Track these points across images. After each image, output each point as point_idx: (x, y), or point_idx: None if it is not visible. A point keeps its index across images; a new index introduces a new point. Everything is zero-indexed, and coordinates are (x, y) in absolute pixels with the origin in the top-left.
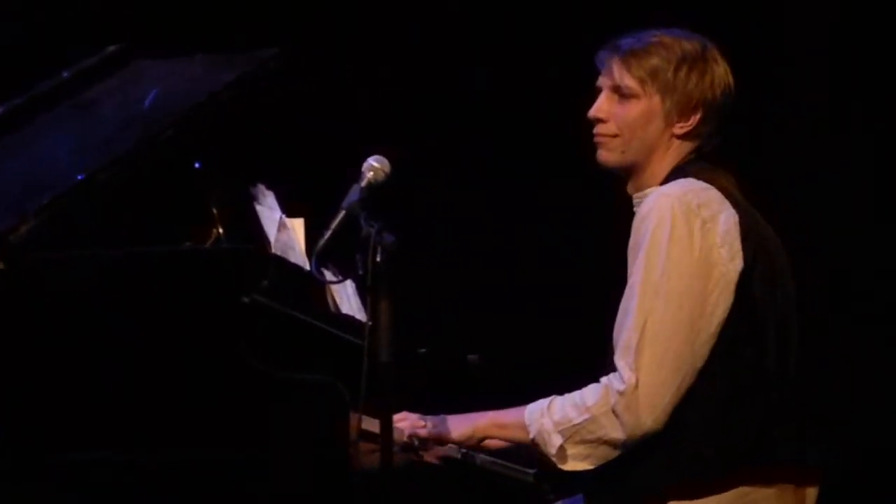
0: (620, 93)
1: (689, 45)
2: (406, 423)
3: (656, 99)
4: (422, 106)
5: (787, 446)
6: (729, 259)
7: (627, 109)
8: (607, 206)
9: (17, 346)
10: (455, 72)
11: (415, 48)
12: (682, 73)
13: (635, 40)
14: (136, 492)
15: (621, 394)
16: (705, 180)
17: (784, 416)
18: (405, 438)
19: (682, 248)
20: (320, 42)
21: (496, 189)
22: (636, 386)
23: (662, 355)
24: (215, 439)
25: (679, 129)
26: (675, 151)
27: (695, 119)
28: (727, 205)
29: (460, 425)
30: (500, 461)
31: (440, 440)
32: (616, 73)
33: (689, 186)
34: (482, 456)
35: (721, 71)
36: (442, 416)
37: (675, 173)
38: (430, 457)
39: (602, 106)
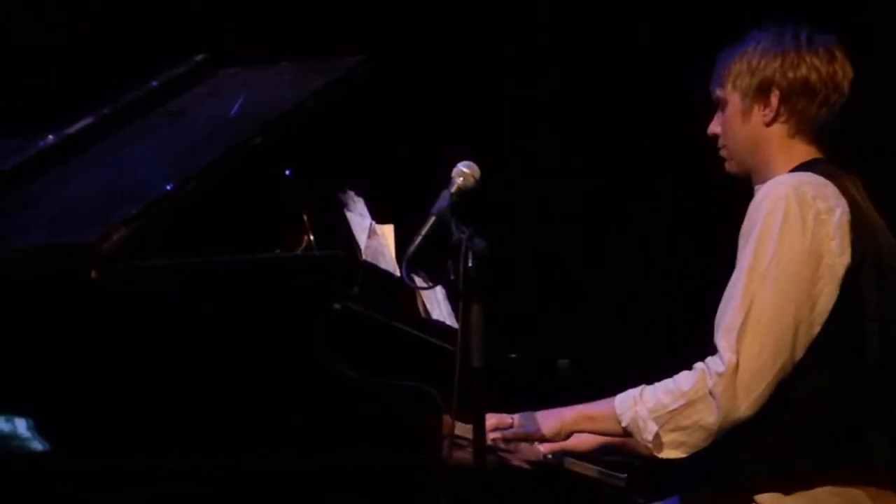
0: (720, 107)
1: (774, 38)
2: (492, 420)
3: (736, 97)
4: (513, 110)
5: (881, 451)
6: (838, 253)
7: (724, 118)
8: (695, 210)
9: (109, 354)
10: (543, 74)
11: (503, 52)
12: (754, 63)
13: (730, 54)
14: (225, 500)
15: (720, 375)
16: (824, 176)
17: (879, 421)
18: (489, 440)
19: (794, 236)
20: (408, 47)
21: (585, 193)
22: (736, 368)
23: (763, 339)
24: (308, 446)
25: (763, 116)
26: (783, 145)
27: (773, 102)
28: (842, 201)
29: (546, 421)
30: (591, 465)
31: (527, 439)
32: (714, 90)
33: (807, 178)
34: (570, 459)
35: (807, 58)
36: (528, 412)
37: (796, 171)
38: (516, 459)
39: (714, 123)
